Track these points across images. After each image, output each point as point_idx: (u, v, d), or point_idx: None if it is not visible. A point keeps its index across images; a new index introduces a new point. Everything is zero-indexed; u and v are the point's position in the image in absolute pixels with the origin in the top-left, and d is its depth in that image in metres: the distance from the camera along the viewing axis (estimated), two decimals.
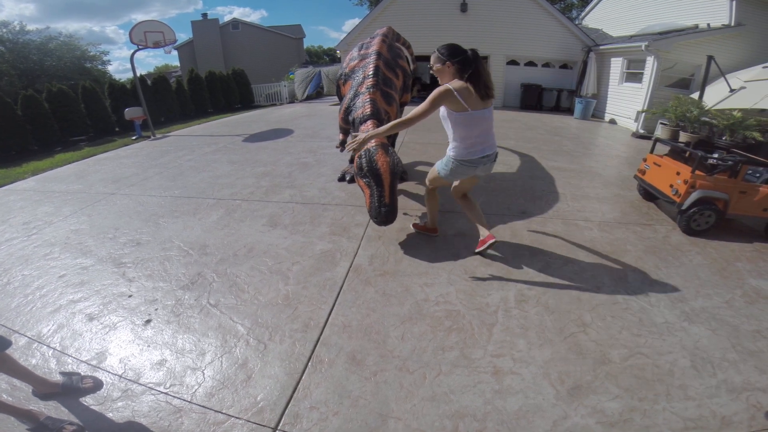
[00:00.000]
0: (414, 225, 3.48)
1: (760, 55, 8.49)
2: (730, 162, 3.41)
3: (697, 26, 9.28)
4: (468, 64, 2.42)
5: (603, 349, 2.12)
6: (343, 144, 4.03)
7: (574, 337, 2.21)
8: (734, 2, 8.64)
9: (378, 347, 2.13)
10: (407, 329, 2.26)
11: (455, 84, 2.42)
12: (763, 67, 7.17)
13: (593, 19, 14.59)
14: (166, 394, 1.87)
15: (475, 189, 4.53)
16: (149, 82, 11.09)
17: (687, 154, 3.84)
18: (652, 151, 4.13)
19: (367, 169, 3.04)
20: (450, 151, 2.70)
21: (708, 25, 9.04)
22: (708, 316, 2.40)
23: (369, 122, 3.37)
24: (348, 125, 3.79)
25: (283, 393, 1.86)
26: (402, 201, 3.99)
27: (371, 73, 3.80)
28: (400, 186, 3.46)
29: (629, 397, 1.83)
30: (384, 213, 2.97)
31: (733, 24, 8.74)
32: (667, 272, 2.89)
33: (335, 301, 2.53)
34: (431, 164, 5.45)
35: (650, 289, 2.67)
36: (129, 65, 9.06)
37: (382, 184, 3.00)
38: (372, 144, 3.09)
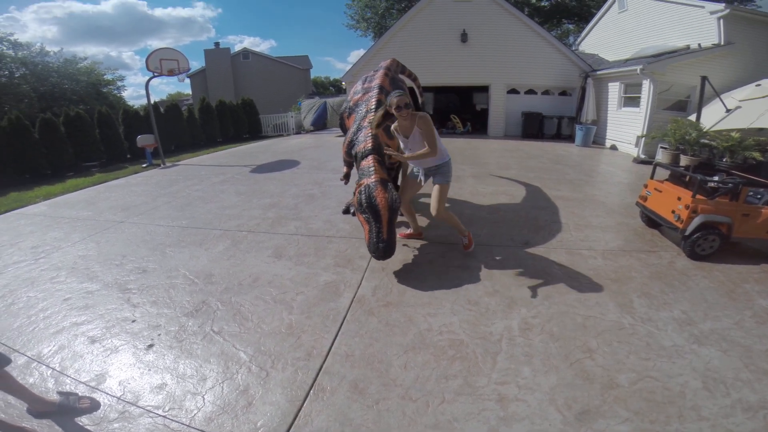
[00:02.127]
0: (401, 234, 3.66)
1: (753, 72, 8.56)
2: (730, 185, 3.41)
3: (688, 47, 9.44)
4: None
5: (610, 373, 2.08)
6: (347, 177, 4.07)
7: (581, 363, 2.17)
8: (722, 21, 8.81)
9: (381, 376, 2.11)
10: (410, 358, 2.24)
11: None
12: (756, 86, 7.24)
13: (589, 45, 15.00)
14: (164, 417, 1.86)
15: (478, 220, 4.55)
16: (162, 109, 11.37)
17: (687, 178, 3.84)
18: (652, 177, 4.11)
19: (366, 205, 3.09)
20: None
21: (699, 45, 9.20)
22: (718, 337, 2.36)
23: (370, 157, 3.39)
24: (351, 158, 3.83)
25: (283, 420, 1.83)
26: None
27: (373, 107, 3.85)
28: (400, 218, 3.51)
29: (640, 420, 1.78)
30: (382, 249, 3.02)
31: (722, 43, 8.87)
32: (673, 296, 2.85)
33: (338, 330, 2.52)
34: (429, 195, 5.50)
35: (657, 313, 2.64)
36: (142, 91, 9.34)
37: (381, 220, 3.05)
38: (371, 180, 3.17)
